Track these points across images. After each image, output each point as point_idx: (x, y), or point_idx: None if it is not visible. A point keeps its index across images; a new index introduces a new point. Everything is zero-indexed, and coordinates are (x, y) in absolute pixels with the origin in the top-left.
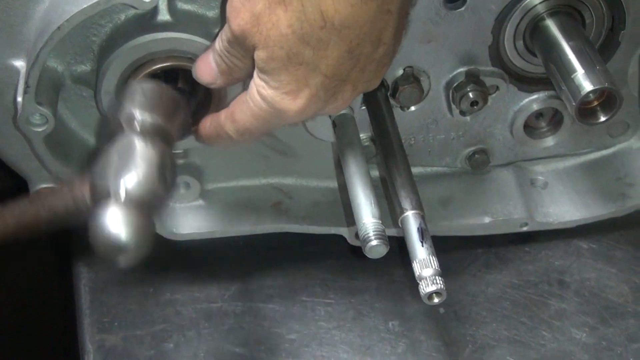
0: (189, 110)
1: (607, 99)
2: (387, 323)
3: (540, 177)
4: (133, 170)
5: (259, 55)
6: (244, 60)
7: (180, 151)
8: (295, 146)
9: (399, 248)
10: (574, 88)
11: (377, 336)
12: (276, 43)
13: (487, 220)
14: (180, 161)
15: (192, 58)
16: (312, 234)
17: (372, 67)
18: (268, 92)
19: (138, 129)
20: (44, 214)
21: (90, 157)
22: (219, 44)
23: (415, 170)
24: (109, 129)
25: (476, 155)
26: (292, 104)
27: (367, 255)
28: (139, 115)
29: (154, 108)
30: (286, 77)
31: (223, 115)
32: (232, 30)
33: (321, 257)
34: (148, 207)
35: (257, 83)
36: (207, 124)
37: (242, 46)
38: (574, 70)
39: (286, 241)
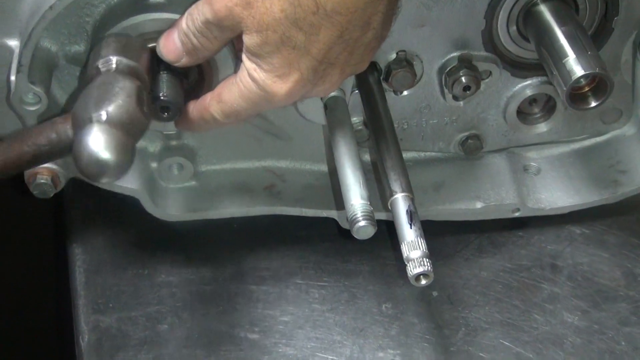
0: (182, 92)
1: (598, 84)
2: (380, 306)
3: (533, 163)
4: (112, 98)
5: (252, 39)
6: (214, 42)
7: (173, 132)
8: (287, 129)
9: (391, 232)
10: (565, 73)
11: (371, 318)
12: (270, 27)
13: (479, 205)
14: (174, 142)
15: None
16: (305, 218)
17: (360, 50)
18: (260, 74)
19: (114, 68)
20: (28, 149)
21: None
22: (188, 23)
23: (408, 155)
24: (86, 77)
25: (469, 141)
26: (282, 87)
27: (355, 236)
28: (115, 57)
29: (128, 53)
30: (278, 60)
31: (209, 97)
32: (214, 10)
33: (315, 240)
34: (128, 129)
35: (248, 66)
36: (191, 107)
37: (222, 28)
38: (565, 55)
39: (280, 224)
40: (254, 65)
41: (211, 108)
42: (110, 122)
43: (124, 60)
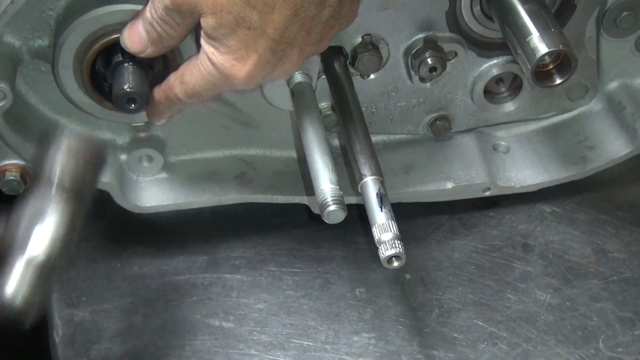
0: (148, 82)
1: (562, 61)
2: (354, 290)
3: (502, 142)
4: (41, 234)
5: (207, 22)
6: (178, 29)
7: (141, 124)
8: (256, 116)
9: (362, 216)
10: (530, 51)
11: (345, 303)
12: (224, 8)
13: (449, 185)
14: (142, 134)
15: None
16: (277, 206)
17: (318, 29)
18: (218, 58)
19: (54, 189)
20: None
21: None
22: (151, 12)
23: (377, 138)
24: (33, 172)
25: (438, 122)
26: (241, 69)
27: (326, 221)
28: (59, 174)
29: (75, 167)
30: (235, 42)
31: (172, 77)
32: None
33: (287, 228)
34: (49, 269)
35: (207, 50)
36: (157, 89)
37: (182, 14)
38: (529, 34)
39: (252, 213)
40: (212, 49)
41: (175, 88)
42: (31, 264)
43: (66, 182)
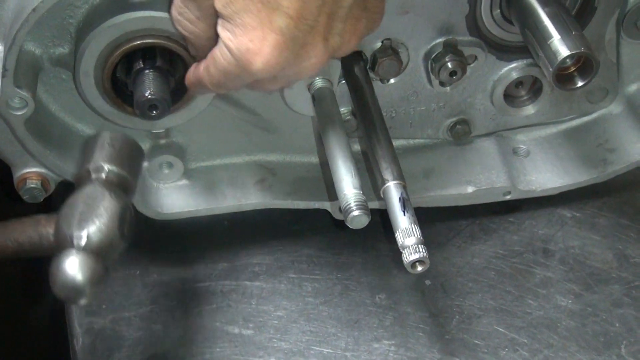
0: (169, 89)
1: (584, 64)
2: (374, 297)
3: (522, 146)
4: (96, 220)
5: (220, 0)
6: (198, 24)
7: (161, 131)
8: (276, 122)
9: (383, 222)
10: (551, 54)
11: (365, 310)
12: None
13: (470, 190)
14: (162, 141)
15: (169, 36)
16: (297, 212)
17: (342, 14)
18: (234, 42)
19: (104, 179)
20: (11, 245)
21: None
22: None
23: (397, 142)
24: (77, 175)
25: (458, 126)
26: (258, 53)
27: (349, 226)
28: (107, 166)
29: (120, 160)
30: (249, 19)
31: (202, 66)
32: None
33: (307, 234)
34: (104, 255)
35: (223, 36)
36: (190, 73)
37: (196, 2)
38: (550, 36)
39: (272, 219)
40: (227, 34)
41: (204, 79)
42: (88, 248)
43: (115, 171)
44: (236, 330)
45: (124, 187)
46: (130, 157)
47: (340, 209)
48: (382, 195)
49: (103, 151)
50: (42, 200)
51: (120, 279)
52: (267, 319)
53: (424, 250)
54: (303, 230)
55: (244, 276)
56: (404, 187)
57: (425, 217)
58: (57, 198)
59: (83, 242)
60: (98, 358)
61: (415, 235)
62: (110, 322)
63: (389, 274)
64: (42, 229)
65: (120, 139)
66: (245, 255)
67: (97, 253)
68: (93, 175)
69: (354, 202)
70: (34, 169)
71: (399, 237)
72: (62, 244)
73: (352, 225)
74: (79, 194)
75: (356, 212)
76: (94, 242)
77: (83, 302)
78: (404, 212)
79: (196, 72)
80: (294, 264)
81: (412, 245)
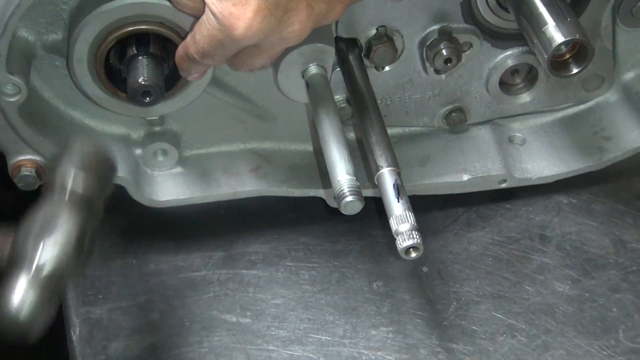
0: (163, 75)
1: (579, 50)
2: (371, 284)
3: (518, 134)
4: (50, 244)
5: None
6: None
7: (156, 118)
8: (271, 109)
9: (380, 210)
10: (546, 41)
11: (362, 297)
12: None
13: (465, 177)
14: (157, 128)
15: (162, 22)
16: (293, 200)
17: None
18: (217, 6)
19: (66, 197)
20: None
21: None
22: None
23: (392, 130)
24: (44, 183)
25: (453, 114)
26: (241, 17)
27: (343, 212)
28: (71, 183)
29: (88, 176)
30: None
31: (189, 37)
32: None
33: (303, 223)
34: (56, 281)
35: (208, 1)
36: (179, 47)
37: None
38: (545, 23)
39: (268, 208)
40: None
41: (190, 49)
42: (38, 276)
43: (79, 190)
44: (234, 319)
45: (88, 204)
46: (99, 169)
47: (334, 195)
48: (376, 182)
49: (70, 164)
50: (36, 188)
51: (116, 268)
52: (265, 307)
53: (417, 237)
54: (299, 219)
55: (241, 265)
56: (398, 174)
57: (421, 204)
58: None
59: (33, 269)
60: (95, 348)
61: (409, 222)
62: (107, 311)
63: (386, 261)
64: None
65: (91, 148)
66: (241, 243)
67: (48, 279)
68: (56, 189)
69: (348, 187)
70: (28, 157)
71: (393, 223)
72: (15, 265)
73: (346, 211)
74: (39, 210)
75: (350, 198)
76: (47, 270)
77: (20, 334)
78: (398, 198)
79: (183, 43)
80: (290, 252)
81: (405, 232)
